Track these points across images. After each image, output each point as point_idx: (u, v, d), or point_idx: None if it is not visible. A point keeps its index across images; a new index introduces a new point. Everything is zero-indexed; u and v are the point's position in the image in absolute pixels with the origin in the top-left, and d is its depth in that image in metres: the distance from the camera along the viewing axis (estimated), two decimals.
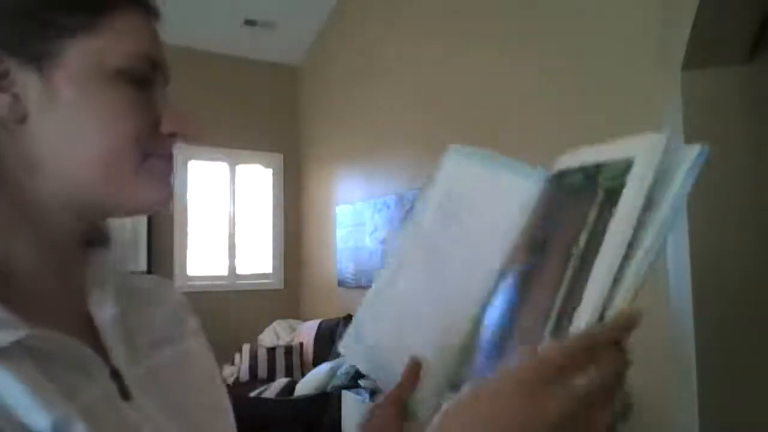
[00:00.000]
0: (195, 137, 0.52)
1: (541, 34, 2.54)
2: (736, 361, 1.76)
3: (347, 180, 4.45)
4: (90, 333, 0.48)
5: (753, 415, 1.74)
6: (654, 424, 1.90)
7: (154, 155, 0.49)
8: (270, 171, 5.20)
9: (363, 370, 0.59)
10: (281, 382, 3.75)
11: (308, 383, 3.46)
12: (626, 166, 0.42)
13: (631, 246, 0.40)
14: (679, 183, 0.40)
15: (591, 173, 0.46)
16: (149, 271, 4.48)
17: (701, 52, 1.79)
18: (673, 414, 1.84)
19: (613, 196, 0.42)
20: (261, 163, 5.15)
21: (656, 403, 1.87)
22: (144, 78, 0.49)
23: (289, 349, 4.23)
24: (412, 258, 0.60)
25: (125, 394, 0.46)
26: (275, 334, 4.61)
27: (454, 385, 0.52)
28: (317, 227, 4.91)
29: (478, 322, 0.52)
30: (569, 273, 0.43)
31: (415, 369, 0.54)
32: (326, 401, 3.25)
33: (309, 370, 3.81)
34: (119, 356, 0.48)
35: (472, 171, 0.62)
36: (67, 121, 0.46)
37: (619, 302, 0.38)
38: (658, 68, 1.92)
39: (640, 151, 0.42)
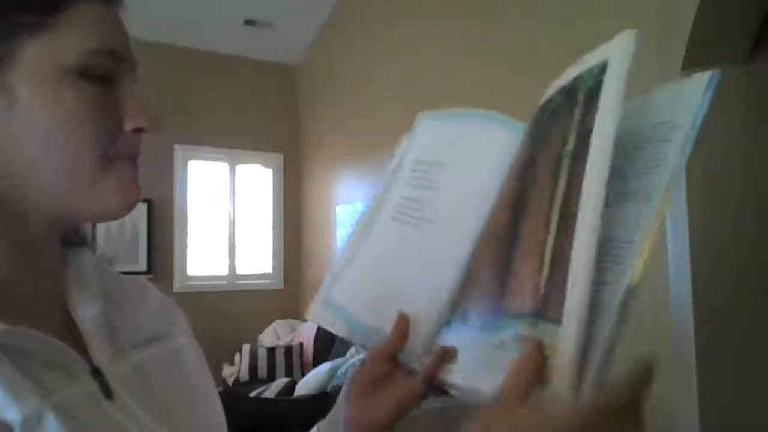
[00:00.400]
0: (159, 128, 0.50)
1: (541, 35, 2.54)
2: (736, 361, 1.76)
3: (347, 180, 4.45)
4: (72, 332, 0.48)
5: (753, 415, 1.74)
6: (654, 425, 1.89)
7: (118, 156, 0.47)
8: (270, 171, 5.20)
9: (340, 333, 0.59)
10: (281, 382, 3.75)
11: (308, 383, 3.46)
12: (602, 66, 0.43)
13: (650, 169, 0.41)
14: (696, 106, 0.41)
15: (569, 87, 0.47)
16: (149, 271, 4.48)
17: (701, 52, 1.79)
18: (674, 414, 1.84)
19: (593, 95, 0.43)
20: (261, 163, 5.15)
21: (656, 404, 1.87)
22: (105, 74, 0.46)
23: (289, 349, 4.22)
24: (387, 223, 0.61)
25: (108, 393, 0.45)
26: (275, 334, 4.61)
27: (444, 324, 0.53)
28: (317, 227, 4.91)
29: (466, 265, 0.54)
30: (563, 175, 0.43)
31: (404, 324, 0.55)
32: (326, 401, 3.25)
33: (309, 370, 3.81)
34: (101, 355, 0.48)
35: (448, 129, 0.63)
36: (26, 124, 0.44)
37: (648, 224, 0.39)
38: (658, 68, 1.92)
39: (613, 49, 0.43)
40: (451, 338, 0.52)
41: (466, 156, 0.60)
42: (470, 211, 0.56)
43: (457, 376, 0.49)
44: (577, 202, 0.40)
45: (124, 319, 0.54)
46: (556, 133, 0.47)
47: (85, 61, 0.45)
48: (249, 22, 4.52)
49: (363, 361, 0.57)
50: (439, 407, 2.62)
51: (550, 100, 0.51)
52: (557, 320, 0.39)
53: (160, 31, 4.33)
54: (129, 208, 0.48)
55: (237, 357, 4.27)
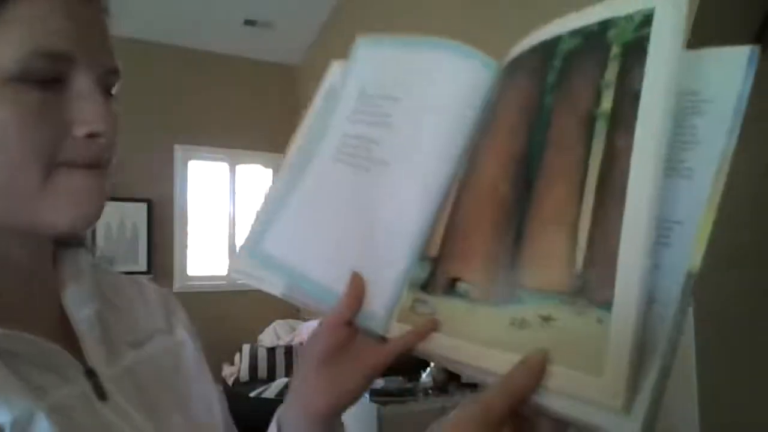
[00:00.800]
0: (114, 132, 0.45)
1: None
2: (736, 361, 1.76)
3: None
4: (66, 333, 0.48)
5: (753, 415, 1.74)
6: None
7: (64, 166, 0.43)
8: (270, 171, 5.20)
9: (274, 291, 0.50)
10: (281, 382, 3.75)
11: None
12: (646, 16, 0.38)
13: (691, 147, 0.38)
14: (738, 83, 0.39)
15: (593, 32, 0.42)
16: (149, 271, 4.48)
17: None
18: (674, 414, 1.84)
19: (636, 50, 0.38)
20: (261, 163, 5.15)
21: None
22: (55, 77, 0.42)
23: (289, 349, 4.22)
24: (328, 164, 0.54)
25: (101, 395, 0.45)
26: (275, 334, 4.61)
27: (420, 288, 0.47)
28: None
29: (434, 216, 0.48)
30: (599, 140, 0.38)
31: (358, 285, 0.48)
32: None
33: None
34: (96, 356, 0.47)
35: (398, 57, 0.55)
36: None
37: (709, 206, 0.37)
38: None
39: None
40: (438, 305, 0.45)
41: (423, 89, 0.51)
42: (433, 153, 0.49)
43: (452, 349, 0.43)
44: (624, 173, 0.36)
45: (121, 320, 0.53)
46: (579, 84, 0.41)
47: (26, 66, 0.40)
48: (249, 22, 4.52)
49: (317, 331, 0.50)
50: (439, 407, 2.62)
51: (559, 39, 0.45)
52: (605, 303, 0.35)
53: (159, 30, 4.34)
54: (83, 220, 0.44)
55: (237, 357, 4.27)
